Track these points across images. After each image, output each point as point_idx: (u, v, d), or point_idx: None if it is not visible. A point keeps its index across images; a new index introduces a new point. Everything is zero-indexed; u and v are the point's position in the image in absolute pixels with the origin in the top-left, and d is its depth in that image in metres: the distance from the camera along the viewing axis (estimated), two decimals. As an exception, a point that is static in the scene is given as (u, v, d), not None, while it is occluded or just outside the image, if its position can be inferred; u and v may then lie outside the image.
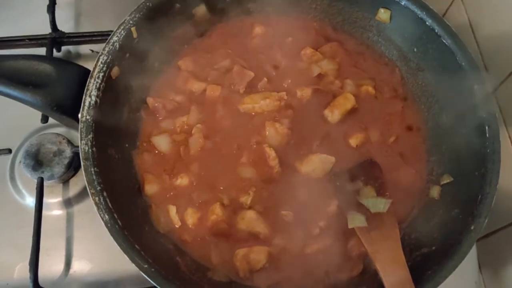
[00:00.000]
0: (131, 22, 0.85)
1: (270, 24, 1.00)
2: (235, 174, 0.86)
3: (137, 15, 0.85)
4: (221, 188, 0.86)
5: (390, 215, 0.81)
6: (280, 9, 1.01)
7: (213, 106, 0.91)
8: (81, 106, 0.78)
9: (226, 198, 0.84)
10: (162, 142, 0.89)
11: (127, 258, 0.71)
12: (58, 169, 0.94)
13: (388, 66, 0.99)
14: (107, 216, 0.72)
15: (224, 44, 0.98)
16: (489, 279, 1.01)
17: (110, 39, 0.83)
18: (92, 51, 1.08)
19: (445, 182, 0.86)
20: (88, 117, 0.78)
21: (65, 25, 1.10)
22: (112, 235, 0.71)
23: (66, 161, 0.95)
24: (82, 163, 0.75)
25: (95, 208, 0.73)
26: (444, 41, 0.87)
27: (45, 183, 0.94)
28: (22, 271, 0.90)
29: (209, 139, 0.89)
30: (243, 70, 0.93)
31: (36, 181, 0.93)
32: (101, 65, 0.81)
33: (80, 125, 0.77)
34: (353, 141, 0.90)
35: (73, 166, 0.96)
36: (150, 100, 0.91)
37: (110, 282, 0.90)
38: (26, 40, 1.05)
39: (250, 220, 0.83)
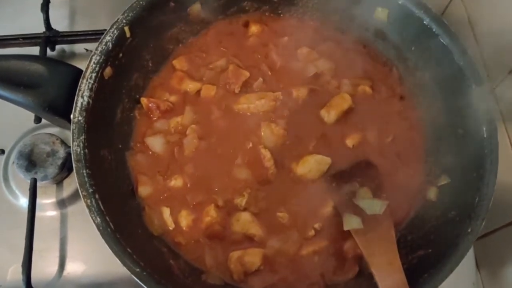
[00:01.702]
0: (124, 21, 0.84)
1: (266, 23, 0.99)
2: (230, 176, 0.86)
3: (130, 14, 0.84)
4: (216, 189, 0.85)
5: (386, 217, 0.80)
6: (276, 7, 1.00)
7: (208, 106, 0.91)
8: (73, 107, 0.77)
9: (220, 199, 0.84)
10: (156, 143, 0.88)
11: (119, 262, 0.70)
12: (52, 169, 0.94)
13: (385, 65, 0.98)
14: (99, 219, 0.72)
15: (219, 43, 0.97)
16: (487, 279, 1.01)
17: (103, 38, 0.82)
18: (87, 50, 1.07)
19: (442, 183, 0.85)
20: (80, 118, 0.77)
21: (59, 24, 1.09)
22: (103, 238, 0.71)
23: (59, 162, 0.94)
24: (74, 165, 0.74)
25: (86, 211, 0.72)
26: (442, 40, 0.86)
27: (39, 183, 0.93)
28: (15, 272, 0.90)
29: (203, 140, 0.88)
30: (239, 69, 0.92)
31: (29, 181, 0.92)
32: (94, 65, 0.80)
33: (72, 126, 0.76)
34: (350, 142, 0.89)
35: (66, 167, 0.95)
36: (144, 101, 0.90)
37: (104, 284, 0.90)
38: (20, 39, 1.05)
39: (245, 222, 0.82)
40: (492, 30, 0.96)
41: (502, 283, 0.96)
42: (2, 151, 0.97)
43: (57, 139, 0.96)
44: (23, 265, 0.85)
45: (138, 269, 0.69)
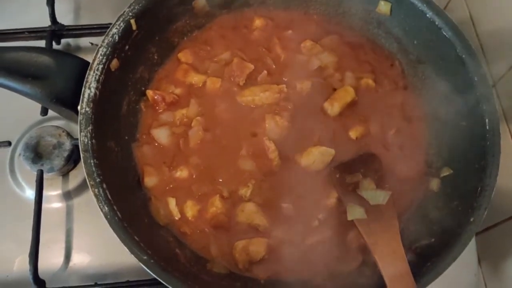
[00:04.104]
0: (130, 14, 0.84)
1: (270, 17, 1.00)
2: (235, 167, 0.86)
3: (136, 7, 0.85)
4: (221, 180, 0.86)
5: (389, 207, 0.80)
6: (280, 1, 1.01)
7: (213, 98, 0.91)
8: (81, 98, 0.78)
9: (225, 190, 0.84)
10: (161, 135, 0.88)
11: (127, 250, 0.71)
12: (58, 161, 0.94)
13: (388, 59, 0.98)
14: (106, 208, 0.72)
15: (224, 36, 0.98)
16: (488, 273, 1.01)
17: (109, 31, 0.83)
18: (92, 43, 1.08)
19: (444, 174, 0.86)
20: (87, 109, 0.78)
21: (65, 17, 1.09)
22: (111, 226, 0.71)
23: (65, 154, 0.95)
24: (81, 155, 0.75)
25: (94, 199, 0.73)
26: (445, 33, 0.87)
27: (45, 175, 0.94)
28: (22, 263, 0.90)
29: (208, 131, 0.89)
30: (243, 62, 0.93)
31: (35, 173, 0.93)
32: (101, 57, 0.81)
33: (80, 117, 0.77)
34: (353, 134, 0.90)
35: (72, 159, 0.96)
36: (149, 93, 0.90)
37: (110, 274, 0.90)
38: (26, 33, 1.05)
39: (249, 213, 0.83)
40: (493, 26, 0.97)
41: (503, 276, 0.97)
42: (9, 143, 0.98)
43: (63, 132, 0.96)
44: (30, 256, 0.85)
45: (145, 257, 0.70)
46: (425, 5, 0.88)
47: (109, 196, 0.74)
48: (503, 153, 0.79)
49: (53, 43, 1.05)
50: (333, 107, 0.90)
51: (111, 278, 0.90)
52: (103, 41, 0.82)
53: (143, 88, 0.92)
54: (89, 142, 0.76)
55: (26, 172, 0.95)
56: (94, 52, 0.81)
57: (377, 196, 0.81)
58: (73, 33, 1.07)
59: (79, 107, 0.78)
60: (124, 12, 0.84)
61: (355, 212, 0.80)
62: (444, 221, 0.80)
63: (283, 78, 0.93)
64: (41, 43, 1.04)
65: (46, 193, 0.94)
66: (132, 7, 0.85)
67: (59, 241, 0.93)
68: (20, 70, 0.77)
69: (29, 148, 0.95)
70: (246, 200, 0.84)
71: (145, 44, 0.90)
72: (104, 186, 0.74)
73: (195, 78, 0.92)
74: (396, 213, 0.80)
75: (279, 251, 0.81)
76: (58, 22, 1.06)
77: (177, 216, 0.83)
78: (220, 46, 0.96)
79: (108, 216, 0.72)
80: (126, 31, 0.84)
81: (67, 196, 0.96)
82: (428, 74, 0.94)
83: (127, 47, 0.85)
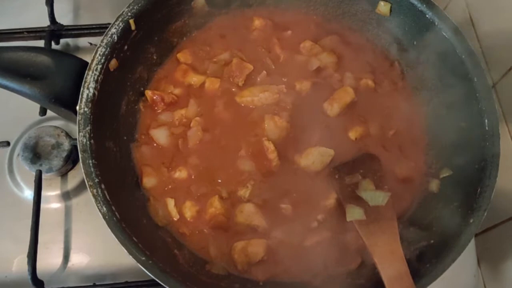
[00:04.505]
0: (129, 14, 0.84)
1: (269, 17, 0.99)
2: (234, 167, 0.86)
3: (135, 7, 0.85)
4: (220, 181, 0.86)
5: (388, 208, 0.80)
6: (279, 1, 1.00)
7: (212, 99, 0.91)
8: (79, 98, 0.78)
9: (224, 191, 0.84)
10: (160, 135, 0.88)
11: (125, 251, 0.71)
12: (57, 162, 0.94)
13: (388, 59, 0.98)
14: (105, 209, 0.72)
15: (223, 37, 0.98)
16: (488, 274, 1.01)
17: (108, 31, 0.82)
18: (91, 43, 1.08)
19: (444, 175, 0.86)
20: (86, 109, 0.77)
21: (64, 17, 1.09)
22: (109, 227, 0.71)
23: (64, 154, 0.95)
24: (80, 155, 0.75)
25: (93, 200, 0.73)
26: (444, 34, 0.87)
27: (44, 176, 0.94)
28: (20, 264, 0.90)
29: (207, 132, 0.88)
30: (242, 63, 0.93)
31: (34, 174, 0.93)
32: (99, 57, 0.80)
33: (78, 117, 0.77)
34: (352, 134, 0.90)
35: (71, 159, 0.96)
36: (148, 93, 0.90)
37: (108, 275, 0.90)
38: (25, 33, 1.05)
39: (248, 213, 0.83)
40: (493, 28, 0.97)
41: (502, 277, 0.97)
42: (8, 143, 0.98)
43: (62, 132, 0.96)
44: (28, 256, 0.85)
45: (143, 258, 0.70)
46: (425, 5, 0.88)
47: (108, 197, 0.74)
48: (503, 153, 0.79)
49: (52, 43, 1.05)
50: (332, 108, 0.90)
51: (109, 278, 0.90)
52: (102, 41, 0.82)
53: (142, 88, 0.92)
54: (88, 142, 0.76)
55: (25, 172, 0.95)
56: (93, 52, 0.81)
57: (377, 197, 0.81)
58: (72, 33, 1.07)
59: (77, 107, 0.78)
60: (123, 12, 0.84)
61: (354, 213, 0.80)
62: (443, 222, 0.80)
63: (283, 79, 0.93)
64: (40, 43, 1.04)
65: (44, 193, 0.94)
66: (131, 7, 0.85)
67: (57, 241, 0.93)
68: (18, 70, 0.77)
69: (27, 148, 0.95)
70: (245, 201, 0.84)
71: (144, 44, 0.90)
72: (103, 186, 0.74)
73: (194, 79, 0.92)
74: (395, 214, 0.80)
75: (278, 252, 0.81)
76: (57, 22, 1.06)
77: (175, 216, 0.83)
78: (219, 46, 0.96)
79: (107, 217, 0.72)
80: (125, 31, 0.84)
81: (66, 196, 0.96)
82: (427, 75, 0.93)
83: (126, 47, 0.85)
